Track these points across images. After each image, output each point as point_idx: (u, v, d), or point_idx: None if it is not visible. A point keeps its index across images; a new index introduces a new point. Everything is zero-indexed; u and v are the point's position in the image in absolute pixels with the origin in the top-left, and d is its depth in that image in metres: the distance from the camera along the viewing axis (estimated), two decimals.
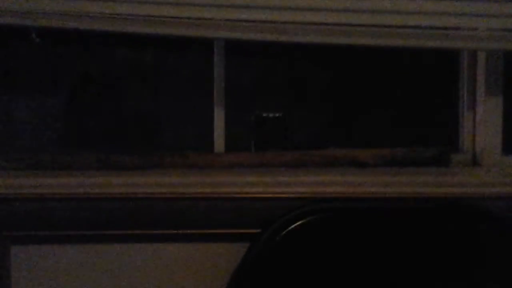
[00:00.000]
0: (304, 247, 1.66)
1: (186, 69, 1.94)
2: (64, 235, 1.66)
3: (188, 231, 1.71)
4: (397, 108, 1.99)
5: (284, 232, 1.64)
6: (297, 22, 1.74)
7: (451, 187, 1.76)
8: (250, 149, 1.93)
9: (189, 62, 1.94)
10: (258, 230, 1.68)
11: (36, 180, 1.68)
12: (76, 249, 1.69)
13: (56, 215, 1.64)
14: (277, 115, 1.95)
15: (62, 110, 1.90)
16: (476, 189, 1.77)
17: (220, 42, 1.90)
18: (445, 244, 1.67)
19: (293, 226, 1.65)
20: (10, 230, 1.64)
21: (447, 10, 1.76)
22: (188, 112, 1.95)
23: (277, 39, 1.74)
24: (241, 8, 1.73)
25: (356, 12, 1.76)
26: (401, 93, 1.99)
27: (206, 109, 1.92)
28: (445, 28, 1.77)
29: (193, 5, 1.72)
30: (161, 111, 1.95)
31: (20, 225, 1.64)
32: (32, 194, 1.65)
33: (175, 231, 1.70)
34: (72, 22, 1.67)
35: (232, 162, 1.84)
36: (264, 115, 1.94)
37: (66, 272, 1.69)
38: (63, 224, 1.65)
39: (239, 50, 1.92)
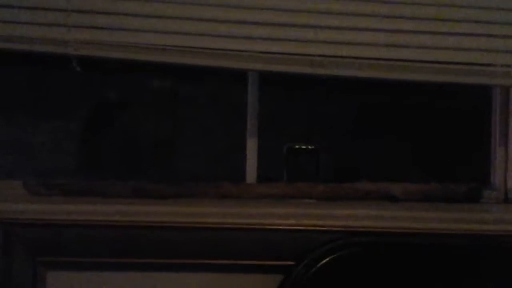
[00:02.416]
0: (337, 281, 1.66)
1: (218, 98, 1.96)
2: (100, 262, 1.68)
3: (221, 261, 1.71)
4: (429, 143, 1.99)
5: (317, 266, 1.65)
6: (334, 55, 1.76)
7: (483, 223, 1.76)
8: (281, 180, 1.93)
9: (221, 91, 1.96)
10: (291, 262, 1.68)
11: (72, 206, 1.69)
12: (111, 276, 1.70)
13: (92, 241, 1.66)
14: (309, 147, 1.96)
15: (84, 136, 1.92)
16: (508, 226, 1.77)
17: (255, 73, 1.92)
18: (477, 281, 1.67)
19: (326, 259, 1.66)
20: (47, 255, 1.66)
21: (482, 47, 1.78)
22: (219, 141, 1.96)
23: (314, 72, 1.76)
24: (277, 41, 1.76)
25: (393, 47, 1.78)
26: (434, 128, 1.99)
27: (238, 139, 1.94)
28: (480, 65, 1.78)
29: (229, 37, 1.75)
30: (190, 140, 1.96)
31: (57, 251, 1.66)
32: (68, 221, 1.67)
33: (208, 261, 1.71)
34: (114, 52, 1.70)
35: (265, 193, 1.85)
36: (297, 146, 1.96)
37: None
38: (99, 251, 1.67)
39: (274, 80, 1.93)
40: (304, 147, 1.96)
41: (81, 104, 1.91)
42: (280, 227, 1.72)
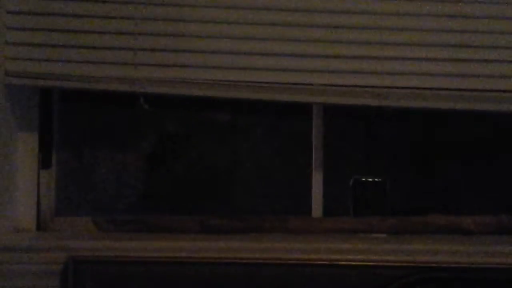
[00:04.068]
0: None
1: (279, 130, 1.95)
2: None
3: None
4: (499, 172, 1.94)
5: None
6: (400, 86, 1.73)
7: None
8: (348, 214, 1.91)
9: (282, 123, 1.95)
10: None
11: (142, 243, 1.70)
12: None
13: (161, 278, 1.65)
14: (376, 179, 1.93)
15: (145, 169, 1.93)
16: None
17: (319, 105, 1.90)
18: None
19: None
20: None
21: None
22: (284, 175, 1.95)
23: (380, 103, 1.74)
24: (342, 73, 1.75)
25: (462, 77, 1.74)
26: (504, 158, 1.94)
27: (302, 171, 1.92)
28: None
29: (294, 71, 1.74)
30: (252, 173, 1.95)
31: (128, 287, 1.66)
32: (138, 257, 1.67)
33: None
34: (180, 89, 1.71)
35: (332, 227, 1.83)
36: (363, 179, 1.93)
37: None
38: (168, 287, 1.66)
39: (338, 112, 1.92)
40: (371, 179, 1.92)
41: (144, 138, 1.93)
42: (349, 262, 1.68)
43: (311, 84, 1.75)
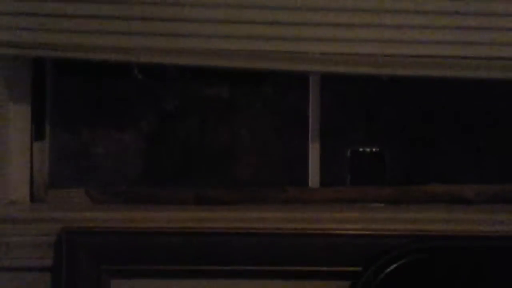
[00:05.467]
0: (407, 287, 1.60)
1: (276, 104, 1.93)
2: (164, 269, 1.66)
3: (286, 268, 1.67)
4: (501, 142, 1.92)
5: (386, 272, 1.59)
6: (398, 54, 1.70)
7: None
8: (345, 185, 1.89)
9: (278, 97, 1.93)
10: (358, 268, 1.63)
11: (135, 213, 1.69)
12: (175, 283, 1.68)
13: (156, 249, 1.64)
14: (374, 149, 1.90)
15: (143, 145, 1.91)
16: None
17: (316, 76, 1.88)
18: None
19: (395, 265, 1.60)
20: (111, 263, 1.64)
21: None
22: (279, 148, 1.93)
23: (378, 72, 1.71)
24: (339, 41, 1.72)
25: (460, 44, 1.71)
26: (507, 126, 1.92)
27: (299, 145, 1.90)
28: None
29: (291, 40, 1.71)
30: (249, 148, 1.94)
31: (120, 258, 1.64)
32: (131, 228, 1.66)
33: (273, 268, 1.67)
34: (175, 58, 1.68)
35: (330, 197, 1.81)
36: (361, 149, 1.91)
37: None
38: (163, 258, 1.64)
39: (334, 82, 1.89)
40: (368, 150, 1.90)
41: (141, 113, 1.91)
42: (347, 232, 1.67)
43: (307, 53, 1.72)
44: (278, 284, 1.69)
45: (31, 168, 1.80)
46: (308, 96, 1.90)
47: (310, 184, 1.88)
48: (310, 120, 1.88)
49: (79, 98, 1.90)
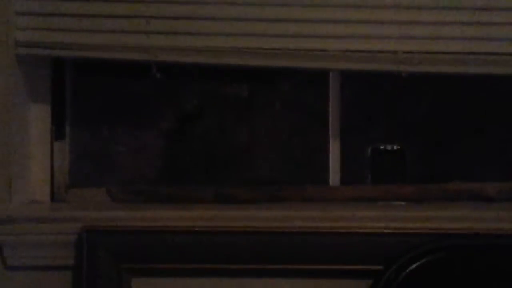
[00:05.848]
0: (430, 286, 1.58)
1: (295, 102, 1.92)
2: (185, 268, 1.65)
3: (306, 266, 1.66)
4: None
5: (408, 270, 1.58)
6: (420, 51, 1.68)
7: None
8: (365, 183, 1.87)
9: (297, 95, 1.92)
10: (380, 267, 1.61)
11: (155, 212, 1.69)
12: (196, 282, 1.68)
13: (177, 247, 1.63)
14: (395, 147, 1.89)
15: (160, 144, 1.91)
16: None
17: (336, 74, 1.87)
18: None
19: (417, 264, 1.59)
20: (131, 262, 1.65)
21: None
22: (299, 146, 1.92)
23: (399, 69, 1.69)
24: (360, 38, 1.70)
25: (480, 40, 1.69)
26: None
27: (318, 143, 1.89)
28: None
29: (310, 37, 1.70)
30: (269, 146, 1.93)
31: (141, 257, 1.64)
32: (151, 227, 1.66)
33: (293, 266, 1.66)
34: (193, 57, 1.68)
35: (350, 195, 1.80)
36: (382, 147, 1.89)
37: None
38: (184, 257, 1.64)
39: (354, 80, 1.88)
40: (389, 147, 1.89)
41: (160, 112, 1.91)
42: (368, 230, 1.66)
43: (327, 50, 1.70)
44: (298, 282, 1.68)
45: (52, 167, 1.81)
46: (328, 94, 1.88)
47: (330, 182, 1.87)
48: (330, 118, 1.88)
49: (99, 98, 1.91)
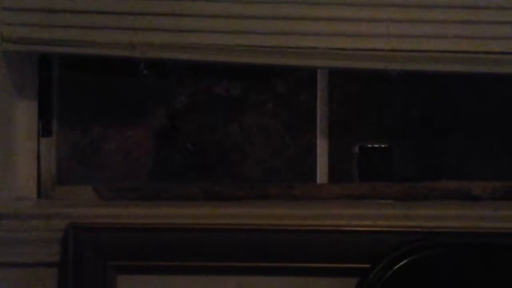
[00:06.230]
0: (415, 285, 1.59)
1: (284, 102, 1.92)
2: (171, 265, 1.65)
3: (294, 264, 1.66)
4: (509, 137, 1.90)
5: (394, 269, 1.58)
6: (407, 50, 1.68)
7: None
8: (353, 181, 1.88)
9: (287, 95, 1.92)
10: (366, 265, 1.61)
11: (142, 210, 1.68)
12: (182, 279, 1.67)
13: (163, 245, 1.63)
14: (382, 145, 1.89)
15: (152, 143, 1.90)
16: None
17: (324, 72, 1.87)
18: None
19: (404, 262, 1.59)
20: (117, 259, 1.64)
21: None
22: (287, 145, 1.92)
23: (387, 67, 1.69)
24: (347, 36, 1.70)
25: (467, 39, 1.70)
26: None
27: (307, 142, 1.89)
28: None
29: (298, 34, 1.70)
30: (258, 145, 1.93)
31: (127, 254, 1.64)
32: (138, 224, 1.65)
33: (281, 264, 1.66)
34: (181, 54, 1.68)
35: (338, 193, 1.80)
36: (369, 145, 1.89)
37: None
38: (170, 254, 1.64)
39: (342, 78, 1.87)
40: (376, 145, 1.89)
41: (150, 110, 1.90)
42: (355, 228, 1.66)
43: (315, 48, 1.70)
44: (286, 280, 1.68)
45: (39, 164, 1.80)
46: (316, 92, 1.88)
47: (318, 180, 1.86)
48: (318, 115, 1.87)
49: (86, 95, 1.90)
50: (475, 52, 1.69)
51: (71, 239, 1.62)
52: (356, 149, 1.89)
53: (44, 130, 1.81)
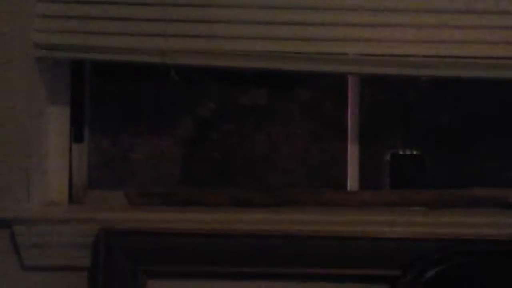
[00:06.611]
0: None
1: (312, 110, 1.91)
2: (201, 271, 1.65)
3: (324, 270, 1.65)
4: None
5: (426, 276, 1.56)
6: (440, 55, 1.66)
7: None
8: (384, 188, 1.86)
9: (320, 100, 1.91)
10: (397, 272, 1.59)
11: (172, 215, 1.69)
12: (212, 285, 1.67)
13: (193, 250, 1.63)
14: (414, 153, 1.87)
15: (178, 150, 1.91)
16: None
17: (355, 79, 1.86)
18: None
19: (436, 269, 1.57)
20: (148, 264, 1.64)
21: None
22: (319, 150, 1.91)
23: (418, 73, 1.68)
24: (377, 42, 1.69)
25: (500, 44, 1.67)
26: None
27: (336, 150, 1.88)
28: None
29: (328, 41, 1.69)
30: (289, 149, 1.92)
31: (157, 259, 1.64)
32: (168, 229, 1.65)
33: (311, 270, 1.65)
34: (211, 60, 1.68)
35: (369, 200, 1.78)
36: (400, 153, 1.88)
37: None
38: (199, 260, 1.64)
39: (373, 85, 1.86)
40: (408, 153, 1.87)
41: (178, 118, 1.91)
42: (386, 235, 1.64)
43: (346, 54, 1.69)
44: (316, 286, 1.67)
45: (70, 169, 1.82)
46: (346, 99, 1.87)
47: (349, 188, 1.85)
48: (349, 123, 1.86)
49: (118, 101, 1.91)
50: (509, 58, 1.67)
51: (102, 243, 1.63)
52: (388, 156, 1.87)
53: (76, 136, 1.83)
